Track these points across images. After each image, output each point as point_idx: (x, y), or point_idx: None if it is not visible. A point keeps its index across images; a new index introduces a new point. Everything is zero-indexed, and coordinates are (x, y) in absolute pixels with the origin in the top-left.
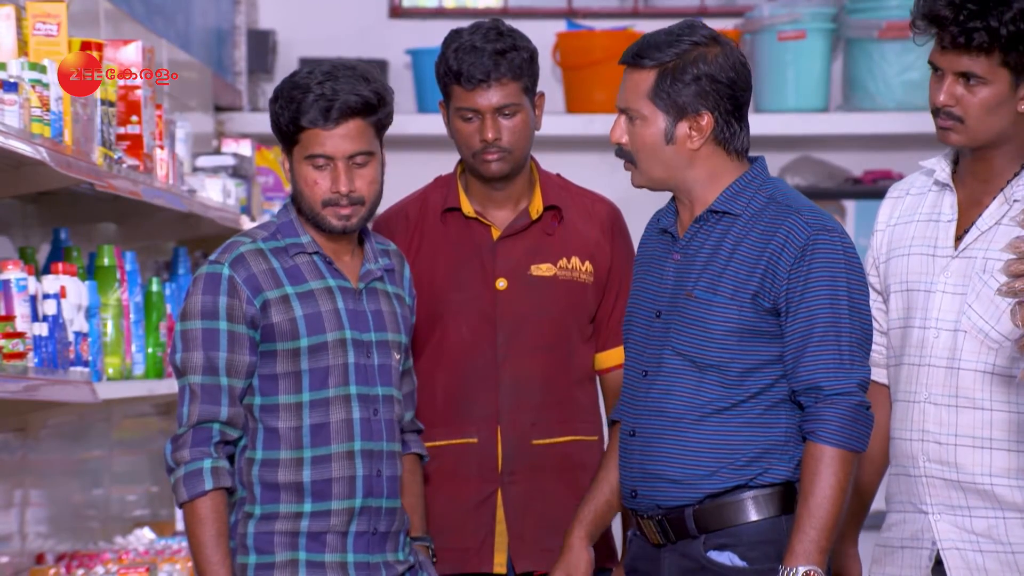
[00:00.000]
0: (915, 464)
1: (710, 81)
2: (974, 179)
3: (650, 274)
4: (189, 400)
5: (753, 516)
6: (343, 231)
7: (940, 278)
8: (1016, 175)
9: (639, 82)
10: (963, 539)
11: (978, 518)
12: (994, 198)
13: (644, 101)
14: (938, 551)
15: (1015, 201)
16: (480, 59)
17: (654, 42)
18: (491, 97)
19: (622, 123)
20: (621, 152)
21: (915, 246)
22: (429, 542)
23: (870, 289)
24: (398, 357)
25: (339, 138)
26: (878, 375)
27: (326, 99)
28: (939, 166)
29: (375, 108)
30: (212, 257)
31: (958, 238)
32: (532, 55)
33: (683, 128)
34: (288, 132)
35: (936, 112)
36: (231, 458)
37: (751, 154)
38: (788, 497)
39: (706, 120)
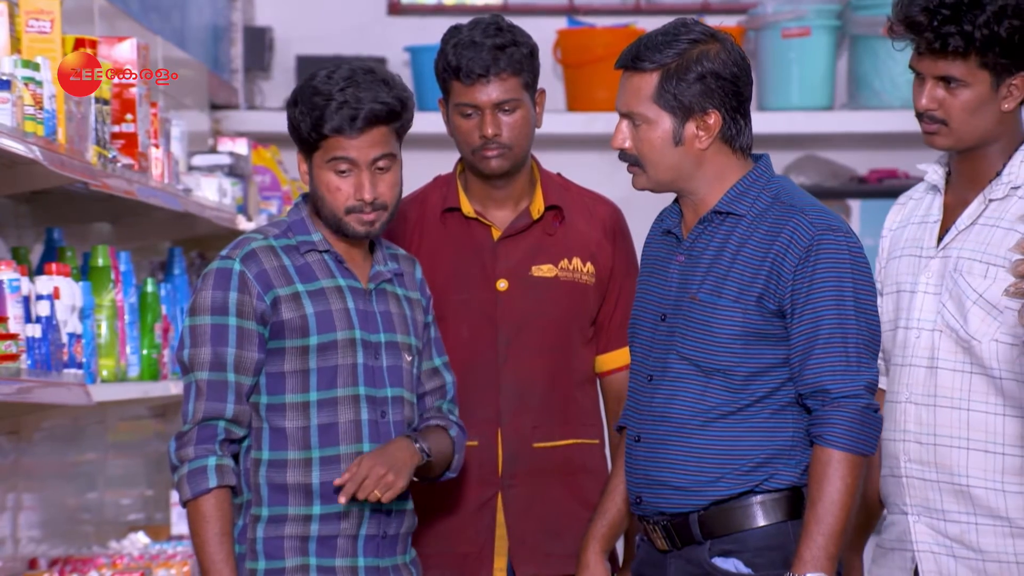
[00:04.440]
0: (898, 464)
1: (715, 78)
2: (961, 180)
3: (654, 276)
4: (195, 397)
5: (759, 522)
6: (367, 236)
7: (921, 278)
8: (997, 175)
9: (641, 85)
10: (938, 543)
11: (952, 522)
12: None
13: (648, 104)
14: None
15: (991, 200)
16: (479, 54)
17: (652, 44)
18: (490, 92)
19: (624, 128)
20: (625, 156)
21: (905, 248)
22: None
23: (876, 292)
24: (409, 359)
25: (363, 145)
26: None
27: (350, 107)
28: (931, 169)
29: (398, 114)
30: (223, 253)
31: (940, 238)
32: (532, 51)
33: (691, 128)
34: (309, 139)
35: (920, 116)
36: (236, 457)
37: (755, 152)
38: (795, 502)
39: (713, 119)
